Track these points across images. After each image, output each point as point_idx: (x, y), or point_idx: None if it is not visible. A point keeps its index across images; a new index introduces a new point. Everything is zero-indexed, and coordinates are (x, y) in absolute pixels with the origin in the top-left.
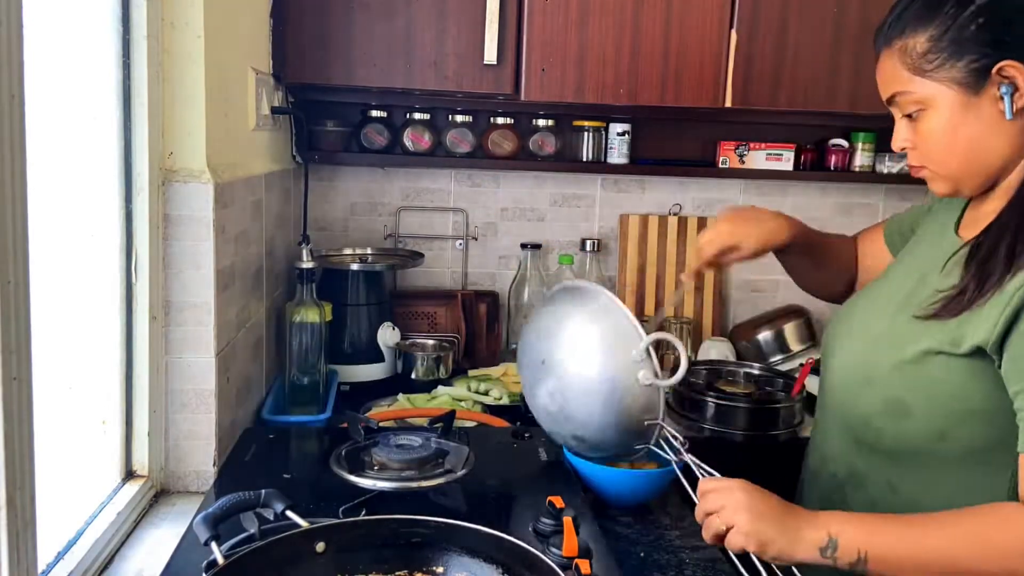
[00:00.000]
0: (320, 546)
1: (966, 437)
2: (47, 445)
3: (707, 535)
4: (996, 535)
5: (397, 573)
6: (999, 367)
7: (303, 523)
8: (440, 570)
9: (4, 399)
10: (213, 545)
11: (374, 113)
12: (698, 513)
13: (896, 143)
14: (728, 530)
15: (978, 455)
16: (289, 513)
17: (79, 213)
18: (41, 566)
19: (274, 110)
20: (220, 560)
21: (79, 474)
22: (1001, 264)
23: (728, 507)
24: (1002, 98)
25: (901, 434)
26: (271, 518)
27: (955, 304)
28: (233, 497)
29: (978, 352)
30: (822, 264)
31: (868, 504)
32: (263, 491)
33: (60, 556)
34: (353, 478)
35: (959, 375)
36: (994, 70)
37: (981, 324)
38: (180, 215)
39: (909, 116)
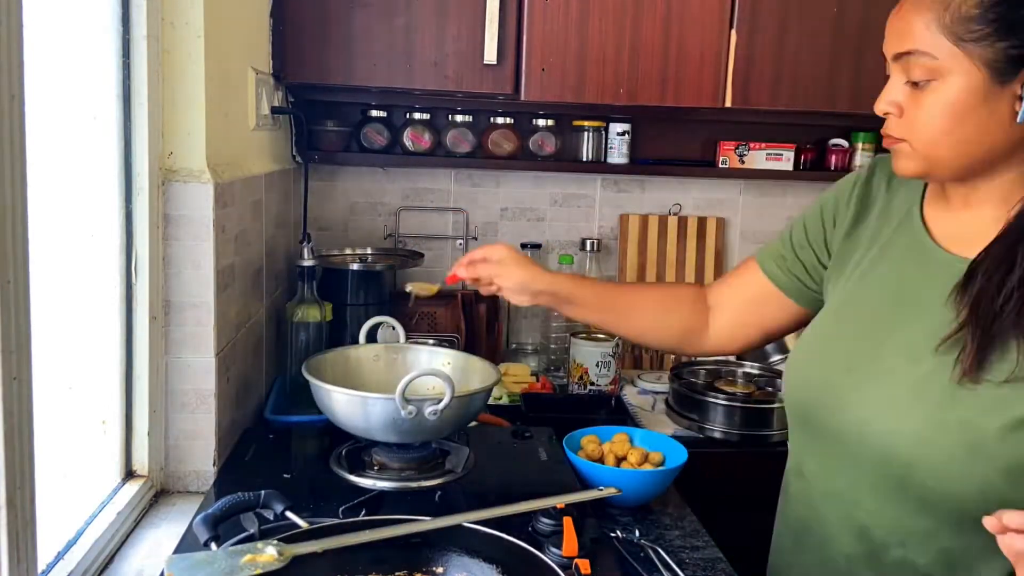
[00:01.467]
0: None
1: None
2: (47, 445)
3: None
4: None
5: (397, 573)
6: None
7: (303, 524)
8: (440, 570)
9: (4, 399)
10: (213, 545)
11: (374, 113)
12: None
13: (882, 104)
14: None
15: None
16: (289, 514)
17: (79, 213)
18: (41, 566)
19: (274, 110)
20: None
21: (79, 474)
22: (1014, 305)
23: None
24: (1021, 98)
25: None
26: (271, 518)
27: (965, 360)
28: (233, 498)
29: None
30: (630, 312)
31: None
32: (263, 492)
33: (60, 556)
34: (353, 478)
35: None
36: None
37: None
38: (180, 215)
39: (914, 83)
